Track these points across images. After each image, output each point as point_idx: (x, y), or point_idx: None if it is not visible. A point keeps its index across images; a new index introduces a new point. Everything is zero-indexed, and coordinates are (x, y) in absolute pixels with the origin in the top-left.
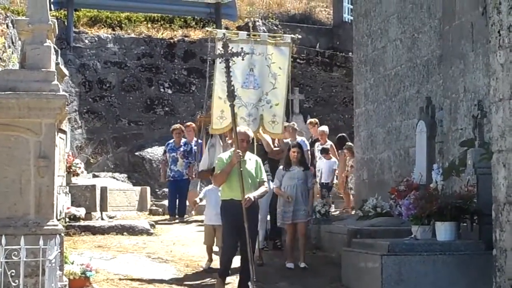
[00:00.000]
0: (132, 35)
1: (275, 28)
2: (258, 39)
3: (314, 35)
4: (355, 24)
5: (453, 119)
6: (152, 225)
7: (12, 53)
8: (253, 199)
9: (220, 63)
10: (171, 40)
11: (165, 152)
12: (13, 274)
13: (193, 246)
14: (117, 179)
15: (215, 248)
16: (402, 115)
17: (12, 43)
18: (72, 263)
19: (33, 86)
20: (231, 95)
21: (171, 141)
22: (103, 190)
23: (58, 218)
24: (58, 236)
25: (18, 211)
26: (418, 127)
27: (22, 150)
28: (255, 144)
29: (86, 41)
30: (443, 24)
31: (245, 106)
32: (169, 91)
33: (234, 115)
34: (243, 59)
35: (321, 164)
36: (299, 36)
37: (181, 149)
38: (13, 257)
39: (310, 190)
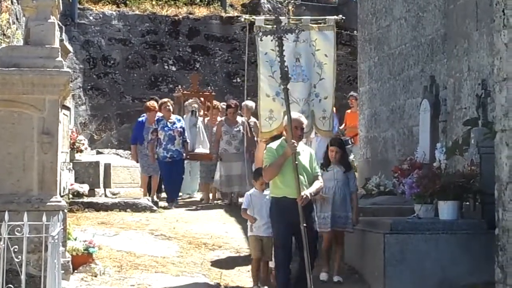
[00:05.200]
0: (137, 12)
1: (280, 5)
2: (300, 24)
3: (319, 13)
4: (360, 2)
5: (457, 98)
6: (155, 202)
7: (17, 29)
8: (309, 197)
9: (268, 40)
10: (176, 17)
11: (155, 130)
12: (16, 250)
13: (196, 223)
14: (120, 156)
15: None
16: (406, 93)
17: (17, 19)
18: (75, 239)
19: (37, 62)
20: (285, 77)
21: (160, 117)
22: (107, 166)
23: (62, 194)
24: (61, 212)
25: (21, 187)
26: (422, 106)
27: (26, 126)
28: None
29: (91, 18)
30: (447, 3)
31: (297, 103)
32: (173, 68)
33: (287, 99)
34: (297, 37)
35: None
36: (344, 18)
37: (177, 126)
38: (16, 233)
39: (353, 194)
